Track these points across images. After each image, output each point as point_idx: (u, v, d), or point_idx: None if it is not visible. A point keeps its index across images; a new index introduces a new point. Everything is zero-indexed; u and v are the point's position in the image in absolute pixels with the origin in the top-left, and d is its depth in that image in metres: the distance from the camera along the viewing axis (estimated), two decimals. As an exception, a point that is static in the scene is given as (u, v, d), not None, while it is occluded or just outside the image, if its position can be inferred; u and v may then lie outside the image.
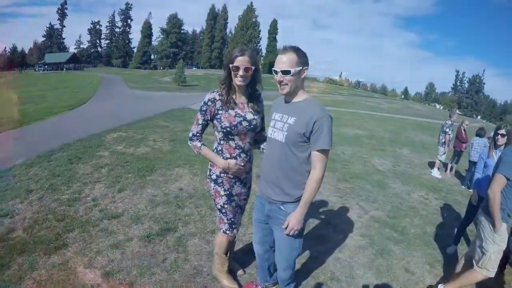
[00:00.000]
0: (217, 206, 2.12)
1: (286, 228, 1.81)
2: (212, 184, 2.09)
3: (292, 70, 1.72)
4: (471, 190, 5.66)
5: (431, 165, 7.53)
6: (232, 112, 1.98)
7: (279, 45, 68.18)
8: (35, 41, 74.26)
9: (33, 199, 3.59)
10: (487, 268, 2.33)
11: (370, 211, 4.26)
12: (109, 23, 78.24)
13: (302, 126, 1.75)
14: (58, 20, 75.56)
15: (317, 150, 1.74)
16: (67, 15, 76.59)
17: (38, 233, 2.89)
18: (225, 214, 2.12)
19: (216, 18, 71.89)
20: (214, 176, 2.07)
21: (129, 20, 77.74)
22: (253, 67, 1.95)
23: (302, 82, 1.85)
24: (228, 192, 2.08)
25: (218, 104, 1.99)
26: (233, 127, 1.96)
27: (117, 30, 78.17)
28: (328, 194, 4.71)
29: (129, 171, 4.75)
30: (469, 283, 2.51)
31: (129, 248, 2.75)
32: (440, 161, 7.09)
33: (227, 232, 2.16)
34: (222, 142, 2.03)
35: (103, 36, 78.79)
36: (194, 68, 61.70)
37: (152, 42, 72.68)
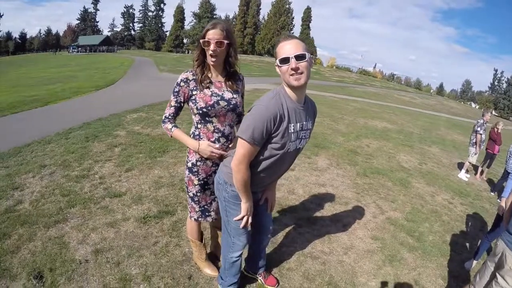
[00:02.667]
0: (189, 194, 2.03)
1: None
2: (187, 172, 1.99)
3: (307, 54, 1.50)
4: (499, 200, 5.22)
5: (461, 166, 7.06)
6: (207, 91, 1.82)
7: (313, 33, 67.83)
8: (69, 24, 78.33)
9: (45, 174, 3.75)
10: None
11: (387, 212, 4.01)
12: (142, 7, 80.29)
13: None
14: (92, 4, 79.53)
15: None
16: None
17: (43, 207, 3.02)
18: (197, 202, 2.04)
19: (248, 4, 71.79)
20: (189, 164, 1.96)
21: (162, 4, 79.18)
22: (225, 41, 1.77)
23: None
24: (202, 182, 1.98)
25: (192, 84, 1.83)
26: (209, 108, 1.81)
27: (150, 14, 79.99)
28: (344, 189, 4.49)
29: (141, 151, 4.83)
30: None
31: (124, 227, 2.80)
32: (470, 163, 6.62)
33: (199, 219, 2.10)
34: (199, 125, 1.89)
35: (136, 19, 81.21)
36: (226, 53, 62.35)
37: (185, 26, 73.65)
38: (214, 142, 1.88)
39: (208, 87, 1.83)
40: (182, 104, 1.89)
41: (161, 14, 79.95)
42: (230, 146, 1.93)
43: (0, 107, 7.49)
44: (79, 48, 58.28)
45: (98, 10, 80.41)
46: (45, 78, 16.48)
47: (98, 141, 5.15)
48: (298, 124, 1.64)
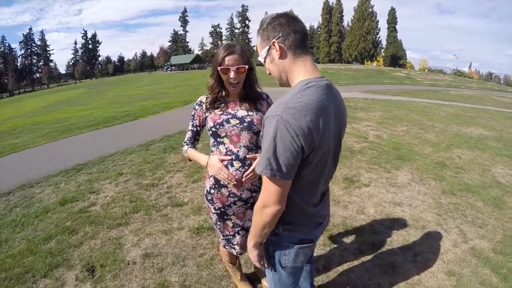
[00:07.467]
0: (212, 219, 1.96)
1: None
2: (205, 198, 1.90)
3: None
4: None
5: None
6: (218, 111, 1.77)
7: (400, 35, 64.58)
8: (161, 46, 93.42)
9: (120, 181, 4.27)
10: None
11: (471, 240, 3.28)
12: (229, 25, 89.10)
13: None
14: (181, 26, 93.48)
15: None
16: (188, 22, 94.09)
17: (111, 210, 3.43)
18: (220, 230, 1.94)
19: (331, 12, 72.95)
20: (205, 191, 1.88)
21: (247, 21, 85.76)
22: (246, 66, 1.68)
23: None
24: (219, 212, 1.85)
25: (206, 107, 1.82)
26: (218, 126, 1.72)
27: (236, 31, 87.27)
28: (423, 209, 3.87)
29: (212, 162, 5.08)
30: None
31: (177, 236, 2.96)
32: None
33: (226, 247, 2.01)
34: (213, 148, 1.81)
35: (224, 37, 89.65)
36: (314, 63, 64.97)
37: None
38: (226, 166, 1.71)
39: (219, 107, 1.79)
40: (199, 128, 1.88)
41: (246, 30, 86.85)
42: (247, 172, 1.71)
43: (95, 122, 8.96)
44: (172, 67, 66.84)
45: (187, 31, 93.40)
46: (140, 95, 19.06)
47: (174, 152, 5.62)
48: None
